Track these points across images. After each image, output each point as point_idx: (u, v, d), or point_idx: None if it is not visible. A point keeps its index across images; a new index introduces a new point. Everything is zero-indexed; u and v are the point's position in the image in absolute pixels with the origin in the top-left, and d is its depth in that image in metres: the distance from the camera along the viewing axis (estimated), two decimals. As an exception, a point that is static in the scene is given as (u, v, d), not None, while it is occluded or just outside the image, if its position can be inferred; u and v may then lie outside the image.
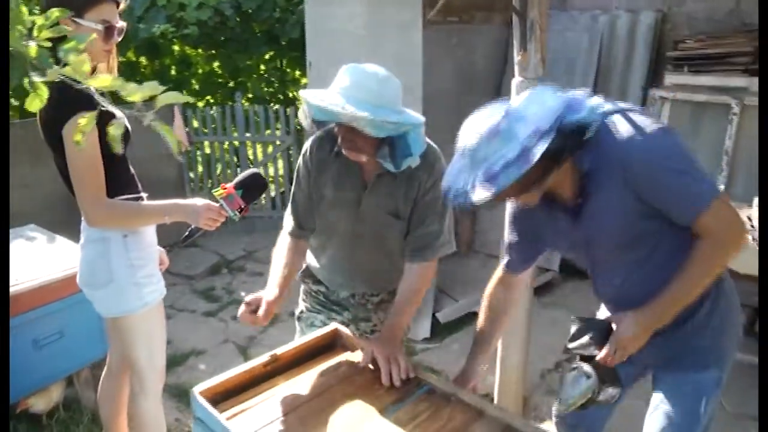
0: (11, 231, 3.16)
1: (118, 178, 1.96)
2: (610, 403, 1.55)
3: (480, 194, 1.29)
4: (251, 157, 6.02)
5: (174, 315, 4.26)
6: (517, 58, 2.23)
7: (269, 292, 1.83)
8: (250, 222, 5.55)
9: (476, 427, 1.47)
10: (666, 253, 1.46)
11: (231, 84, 6.57)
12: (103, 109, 1.84)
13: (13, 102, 4.79)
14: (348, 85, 1.63)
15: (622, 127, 1.36)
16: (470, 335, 3.69)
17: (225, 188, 1.92)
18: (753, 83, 3.59)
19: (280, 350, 1.75)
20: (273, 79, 6.78)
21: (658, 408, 1.64)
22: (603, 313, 1.83)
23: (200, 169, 5.94)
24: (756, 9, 3.81)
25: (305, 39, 4.96)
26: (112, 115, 1.86)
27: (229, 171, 5.99)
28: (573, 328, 1.57)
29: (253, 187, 1.97)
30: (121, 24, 1.89)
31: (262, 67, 6.74)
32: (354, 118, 1.57)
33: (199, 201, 1.97)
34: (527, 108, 1.31)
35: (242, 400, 1.59)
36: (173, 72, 6.29)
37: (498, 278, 1.79)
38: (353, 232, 1.91)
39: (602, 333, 1.51)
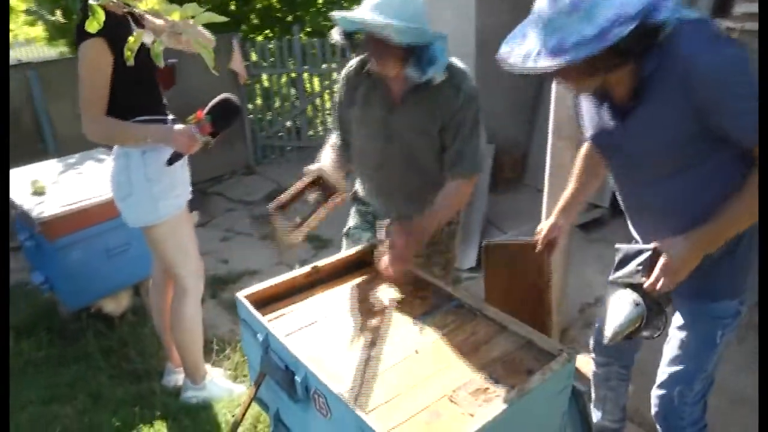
0: (84, 154, 3.42)
1: (137, 100, 2.12)
2: (654, 337, 1.52)
3: (545, 63, 1.25)
4: (309, 89, 6.11)
5: (232, 237, 4.52)
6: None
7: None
8: (308, 151, 5.71)
9: (498, 340, 1.55)
10: (709, 172, 1.40)
11: (289, 18, 6.61)
12: (118, 35, 1.94)
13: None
14: (374, 3, 1.71)
15: (695, 38, 1.27)
16: (515, 267, 3.80)
17: (198, 114, 2.02)
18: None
19: (320, 263, 1.88)
20: (331, 12, 6.77)
21: (674, 335, 1.65)
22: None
23: (259, 101, 6.09)
24: None
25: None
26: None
27: (286, 103, 6.12)
28: (617, 257, 1.52)
29: (223, 113, 2.06)
30: None
31: (320, 1, 6.73)
32: (378, 25, 1.67)
33: (177, 126, 2.08)
34: None
35: (282, 306, 1.74)
36: (232, 7, 6.37)
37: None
38: (383, 152, 1.98)
39: (649, 260, 1.44)
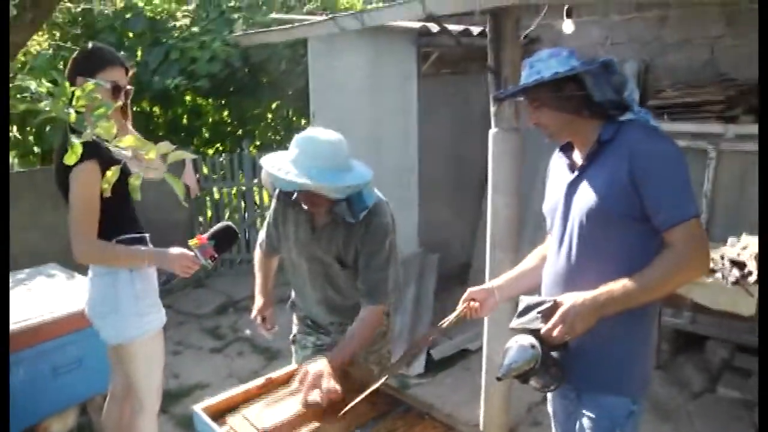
0: (34, 269, 3.42)
1: (122, 219, 2.20)
2: (544, 390, 1.68)
3: (525, 80, 1.66)
4: (258, 202, 6.27)
5: (182, 351, 4.46)
6: (492, 109, 2.49)
7: (261, 302, 2.31)
8: (257, 263, 5.77)
9: (443, 441, 1.65)
10: (626, 255, 1.60)
11: (240, 132, 6.89)
12: (108, 158, 2.09)
13: (36, 149, 5.12)
14: (307, 155, 1.85)
15: (644, 130, 1.61)
16: (463, 370, 3.90)
17: (199, 239, 2.14)
18: (727, 129, 3.83)
19: (274, 374, 1.95)
20: (279, 127, 7.09)
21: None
22: None
23: (209, 213, 6.20)
24: (730, 61, 4.11)
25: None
26: (116, 163, 2.13)
27: (236, 215, 6.24)
28: (519, 307, 1.66)
29: (225, 239, 2.19)
30: (128, 87, 2.18)
31: (270, 115, 7.05)
32: (319, 187, 1.82)
33: (175, 250, 2.16)
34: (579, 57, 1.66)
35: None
36: (185, 121, 6.61)
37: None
38: (308, 269, 2.14)
39: (548, 310, 1.58)
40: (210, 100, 6.63)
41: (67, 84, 1.27)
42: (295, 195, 2.05)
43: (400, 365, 2.12)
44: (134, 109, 6.33)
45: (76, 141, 1.19)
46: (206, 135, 6.83)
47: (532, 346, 1.56)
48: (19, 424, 2.81)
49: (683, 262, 1.53)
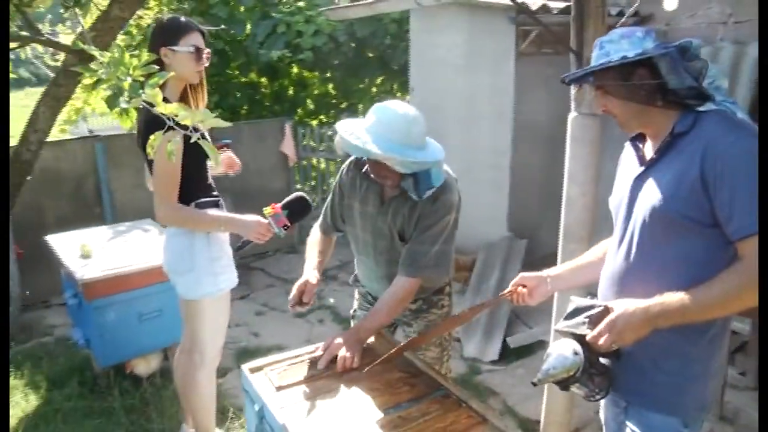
0: (132, 223, 3.73)
1: (198, 184, 2.33)
2: (590, 398, 1.55)
3: (594, 62, 1.52)
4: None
5: (266, 312, 4.69)
6: (573, 93, 2.34)
7: (311, 276, 2.15)
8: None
9: (476, 431, 1.60)
10: (690, 263, 1.44)
11: (343, 105, 7.02)
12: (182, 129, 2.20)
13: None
14: (381, 125, 1.84)
15: (731, 118, 1.42)
16: (538, 361, 3.77)
17: (273, 207, 2.20)
18: None
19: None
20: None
21: None
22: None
23: (312, 182, 6.39)
24: None
25: (411, 65, 5.28)
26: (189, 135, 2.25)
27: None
28: (568, 309, 1.55)
29: (298, 209, 2.25)
30: (206, 50, 2.27)
31: (374, 89, 7.12)
32: (385, 158, 1.82)
33: (250, 217, 2.25)
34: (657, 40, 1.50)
35: (284, 381, 1.85)
36: (290, 92, 6.83)
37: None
38: (373, 243, 2.15)
39: (597, 315, 1.46)
40: (315, 72, 6.80)
41: (127, 54, 1.34)
42: (366, 166, 2.07)
43: (430, 338, 2.15)
44: (242, 79, 6.66)
45: (125, 106, 1.26)
46: (310, 106, 7.03)
47: (575, 353, 1.46)
48: (109, 360, 3.15)
49: (753, 280, 1.30)
